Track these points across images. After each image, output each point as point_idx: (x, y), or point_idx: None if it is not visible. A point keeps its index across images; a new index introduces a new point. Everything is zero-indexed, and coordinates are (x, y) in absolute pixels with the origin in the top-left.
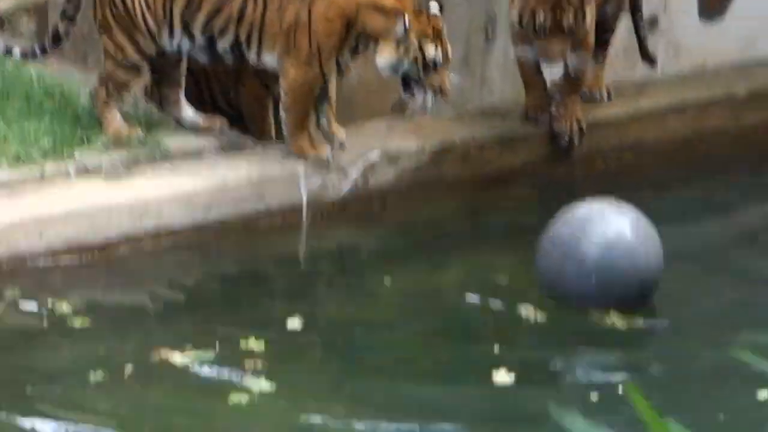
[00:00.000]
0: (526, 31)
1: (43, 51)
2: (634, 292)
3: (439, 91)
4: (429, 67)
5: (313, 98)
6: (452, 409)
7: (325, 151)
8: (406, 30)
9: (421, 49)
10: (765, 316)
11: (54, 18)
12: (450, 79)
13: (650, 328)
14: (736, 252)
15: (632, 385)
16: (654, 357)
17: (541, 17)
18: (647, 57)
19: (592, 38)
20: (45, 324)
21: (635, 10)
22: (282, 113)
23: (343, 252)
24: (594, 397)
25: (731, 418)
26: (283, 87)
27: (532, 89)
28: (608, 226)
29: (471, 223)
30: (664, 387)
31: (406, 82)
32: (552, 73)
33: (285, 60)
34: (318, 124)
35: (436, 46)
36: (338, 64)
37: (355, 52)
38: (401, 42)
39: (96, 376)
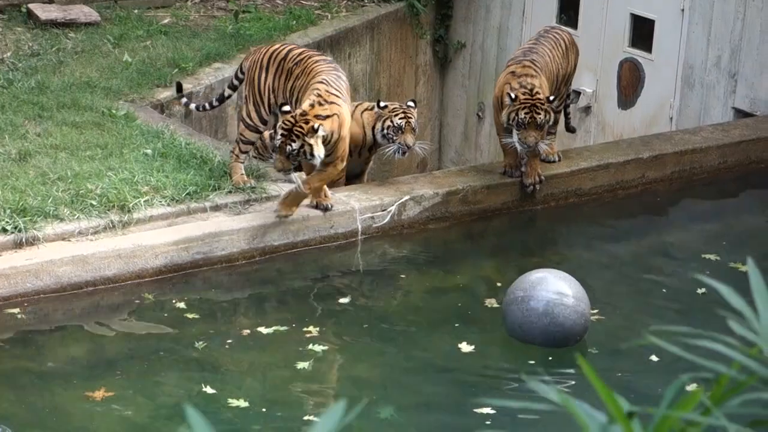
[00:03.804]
0: (510, 128)
1: (212, 106)
2: (568, 337)
3: (405, 146)
4: (397, 130)
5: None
6: (429, 360)
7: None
8: (380, 108)
9: (391, 119)
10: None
11: (222, 88)
12: (413, 138)
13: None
14: (640, 265)
15: (581, 356)
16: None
17: (521, 115)
18: (569, 129)
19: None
20: (166, 315)
21: (566, 100)
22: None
23: (384, 261)
24: (549, 359)
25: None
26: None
27: (508, 154)
28: (551, 287)
29: (469, 244)
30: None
31: (389, 140)
32: (521, 150)
33: None
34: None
35: (401, 118)
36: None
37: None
38: (381, 117)
39: (199, 345)
